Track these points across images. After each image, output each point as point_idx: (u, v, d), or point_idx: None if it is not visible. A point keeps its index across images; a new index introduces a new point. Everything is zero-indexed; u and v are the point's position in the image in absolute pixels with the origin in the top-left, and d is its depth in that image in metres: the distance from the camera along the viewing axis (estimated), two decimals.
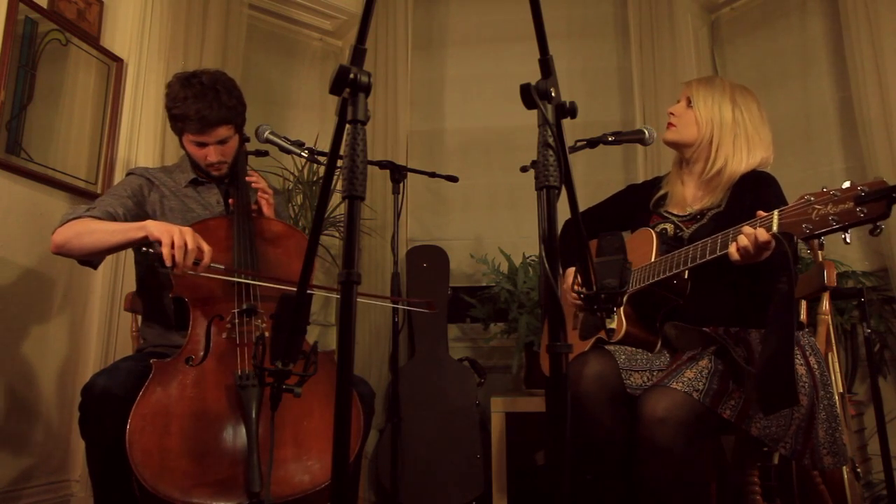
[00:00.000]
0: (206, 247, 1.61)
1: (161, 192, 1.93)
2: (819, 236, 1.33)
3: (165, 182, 1.96)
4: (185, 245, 1.56)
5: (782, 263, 1.38)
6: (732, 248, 1.46)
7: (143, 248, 1.63)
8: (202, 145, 1.89)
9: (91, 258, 1.78)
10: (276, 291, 1.70)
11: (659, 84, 3.21)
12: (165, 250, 1.55)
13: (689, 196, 1.89)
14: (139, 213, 1.86)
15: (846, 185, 1.30)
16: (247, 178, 1.91)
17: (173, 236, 1.56)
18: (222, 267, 1.65)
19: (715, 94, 1.83)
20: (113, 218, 1.77)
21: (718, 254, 1.51)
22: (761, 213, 1.45)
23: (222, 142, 1.89)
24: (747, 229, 1.44)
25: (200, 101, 1.81)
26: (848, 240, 1.31)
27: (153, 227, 1.61)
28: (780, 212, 1.41)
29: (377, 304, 3.16)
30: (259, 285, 1.72)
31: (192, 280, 1.67)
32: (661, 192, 1.96)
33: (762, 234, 1.42)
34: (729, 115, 1.81)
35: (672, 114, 1.88)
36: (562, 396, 0.90)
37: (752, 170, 1.80)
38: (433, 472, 2.78)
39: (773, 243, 1.42)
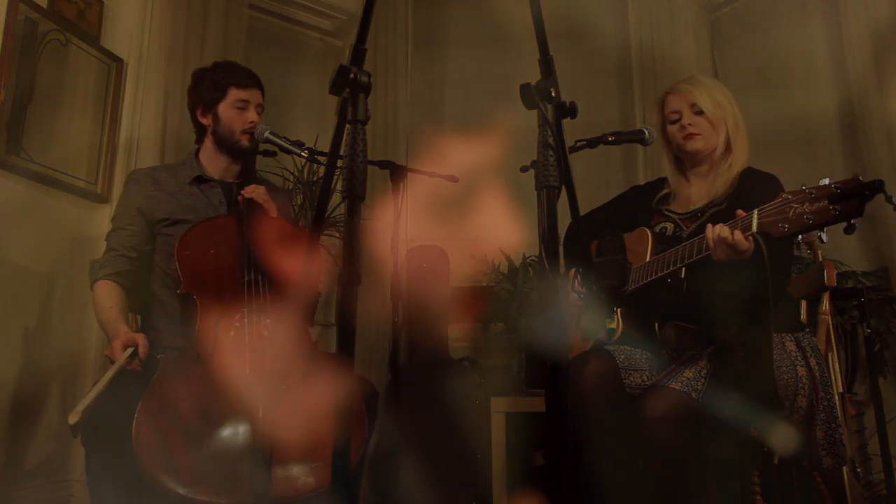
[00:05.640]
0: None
1: (158, 196, 1.90)
2: (795, 235, 1.32)
3: (165, 184, 1.92)
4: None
5: (759, 264, 1.39)
6: (713, 245, 1.46)
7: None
8: (245, 104, 1.94)
9: None
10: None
11: (659, 84, 3.21)
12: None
13: (694, 194, 1.88)
14: (150, 230, 1.88)
15: (824, 182, 1.29)
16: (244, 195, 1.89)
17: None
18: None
19: (712, 92, 1.84)
20: (135, 255, 1.85)
21: (705, 253, 1.51)
22: (741, 212, 1.45)
23: (257, 107, 1.97)
24: (724, 229, 1.45)
25: (238, 67, 1.97)
26: (825, 238, 1.30)
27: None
28: (759, 211, 1.41)
29: (378, 302, 3.17)
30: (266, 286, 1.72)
31: (202, 276, 1.70)
32: (665, 192, 1.95)
33: (737, 235, 1.42)
34: (729, 108, 1.83)
35: (690, 124, 1.85)
36: (562, 396, 0.90)
37: (755, 169, 1.80)
38: (433, 472, 2.77)
39: (750, 241, 1.42)
